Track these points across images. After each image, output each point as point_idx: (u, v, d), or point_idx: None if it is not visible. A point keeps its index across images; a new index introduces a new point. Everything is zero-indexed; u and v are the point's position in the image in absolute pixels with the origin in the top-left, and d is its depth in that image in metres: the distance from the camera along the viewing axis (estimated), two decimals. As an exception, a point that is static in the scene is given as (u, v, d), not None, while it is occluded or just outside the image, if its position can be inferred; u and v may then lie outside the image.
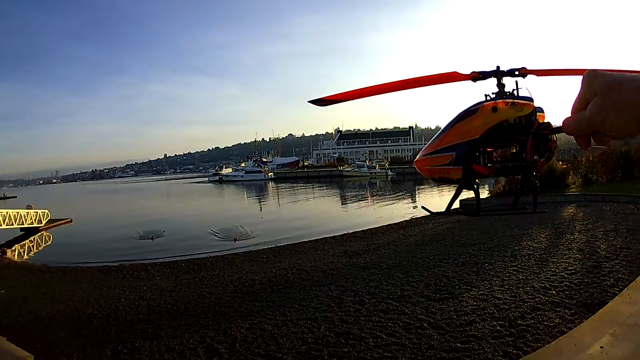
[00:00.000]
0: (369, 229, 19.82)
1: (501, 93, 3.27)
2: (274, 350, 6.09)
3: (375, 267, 11.16)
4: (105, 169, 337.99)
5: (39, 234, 25.52)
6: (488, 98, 3.30)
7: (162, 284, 11.44)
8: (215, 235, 21.13)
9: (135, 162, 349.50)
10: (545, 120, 3.28)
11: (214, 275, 12.05)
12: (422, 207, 3.81)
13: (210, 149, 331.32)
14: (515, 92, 3.25)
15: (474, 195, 3.88)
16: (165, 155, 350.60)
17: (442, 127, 3.61)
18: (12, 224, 24.15)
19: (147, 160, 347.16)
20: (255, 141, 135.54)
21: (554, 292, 7.60)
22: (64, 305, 9.66)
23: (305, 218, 28.21)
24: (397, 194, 43.96)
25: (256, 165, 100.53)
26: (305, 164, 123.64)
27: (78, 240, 23.47)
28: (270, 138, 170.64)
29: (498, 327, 6.22)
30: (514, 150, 3.43)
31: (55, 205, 34.84)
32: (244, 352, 6.15)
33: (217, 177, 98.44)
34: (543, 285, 8.09)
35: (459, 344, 5.77)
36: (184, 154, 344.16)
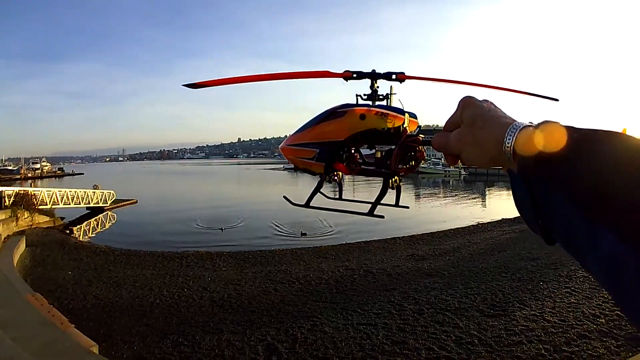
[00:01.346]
0: (437, 231, 19.83)
1: (373, 97, 3.21)
2: (332, 354, 6.27)
3: (438, 274, 11.31)
4: (175, 149, 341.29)
5: (103, 213, 26.34)
6: (359, 101, 3.24)
7: (227, 275, 11.62)
8: (282, 228, 21.04)
9: (207, 145, 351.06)
10: (420, 126, 3.23)
11: (280, 270, 12.19)
12: (284, 197, 3.75)
13: (287, 135, 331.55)
14: (389, 98, 3.18)
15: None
16: (239, 139, 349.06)
17: (308, 121, 3.49)
18: (80, 203, 25.21)
19: (220, 144, 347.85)
20: None
21: (603, 320, 7.52)
22: (127, 292, 10.05)
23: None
24: (468, 194, 43.76)
25: None
26: None
27: (142, 221, 24.17)
28: None
29: (543, 351, 6.26)
30: (379, 156, 3.36)
31: (120, 185, 35.49)
32: (302, 354, 6.33)
33: (292, 165, 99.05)
34: (593, 312, 8.01)
35: None
36: (259, 139, 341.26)
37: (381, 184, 2.96)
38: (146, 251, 15.34)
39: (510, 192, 0.69)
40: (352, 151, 3.32)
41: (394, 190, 3.30)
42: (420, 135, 3.19)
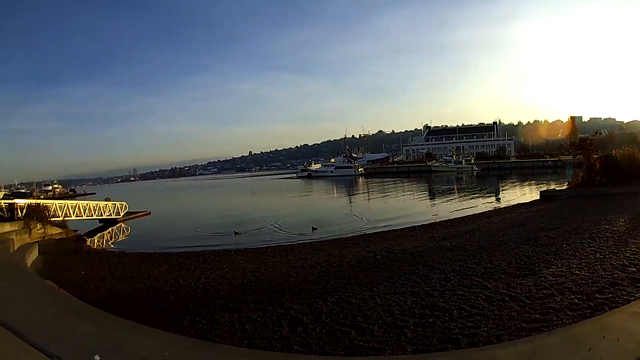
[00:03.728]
0: (455, 218, 20.09)
1: None
2: (360, 321, 6.10)
3: (461, 249, 11.25)
4: (186, 166, 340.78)
5: (117, 225, 26.32)
6: None
7: (246, 266, 11.57)
8: (295, 227, 21.08)
9: (218, 160, 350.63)
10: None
11: (300, 258, 12.21)
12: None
13: (299, 146, 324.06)
14: None
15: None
16: (250, 152, 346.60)
17: None
18: (92, 215, 25.18)
19: (231, 158, 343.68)
20: (345, 138, 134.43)
21: (634, 269, 7.42)
22: (141, 284, 9.97)
23: (394, 210, 28.07)
24: (482, 188, 43.68)
25: (346, 161, 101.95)
26: (395, 159, 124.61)
27: (157, 231, 24.05)
28: (360, 135, 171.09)
29: (576, 300, 6.11)
30: None
31: (133, 200, 35.91)
32: (329, 323, 6.18)
33: (305, 173, 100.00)
34: (622, 263, 7.92)
35: (537, 315, 5.71)
36: (270, 151, 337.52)
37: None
38: (161, 252, 15.36)
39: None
40: None
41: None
42: None
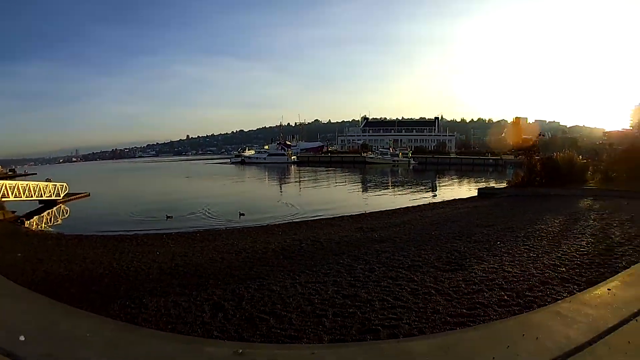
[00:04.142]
0: (386, 210, 20.13)
1: None
2: (280, 309, 6.18)
3: (389, 240, 11.36)
4: (126, 148, 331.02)
5: (56, 206, 25.60)
6: None
7: (176, 250, 11.56)
8: (223, 212, 21.15)
9: (157, 143, 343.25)
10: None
11: (227, 243, 12.23)
12: None
13: (235, 131, 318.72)
14: None
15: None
16: (187, 136, 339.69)
17: None
18: (32, 196, 24.21)
19: (169, 141, 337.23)
20: (280, 125, 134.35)
21: (564, 269, 7.65)
22: (77, 266, 9.83)
23: (324, 199, 28.36)
24: (418, 182, 44.22)
25: (279, 148, 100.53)
26: (329, 149, 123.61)
27: (95, 213, 23.54)
28: (296, 123, 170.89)
29: (505, 297, 6.29)
30: None
31: (74, 181, 34.78)
32: (249, 309, 6.23)
33: (239, 159, 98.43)
34: (554, 263, 8.16)
35: (464, 310, 5.83)
36: (206, 135, 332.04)
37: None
38: (98, 235, 15.15)
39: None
40: None
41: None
42: None
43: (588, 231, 11.23)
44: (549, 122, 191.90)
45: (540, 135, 36.86)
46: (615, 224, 11.95)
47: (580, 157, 29.02)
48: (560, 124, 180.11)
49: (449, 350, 3.90)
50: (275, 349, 4.27)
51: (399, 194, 30.90)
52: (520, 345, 3.97)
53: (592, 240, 9.99)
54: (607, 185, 22.32)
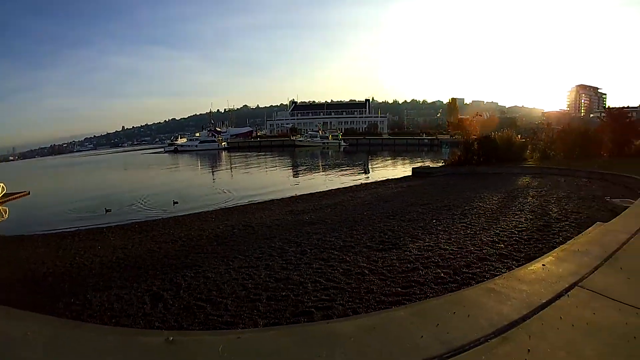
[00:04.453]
0: (317, 192, 20.31)
1: None
2: (215, 296, 6.27)
3: (320, 222, 11.53)
4: (64, 143, 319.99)
5: (-6, 208, 24.77)
6: None
7: (116, 243, 11.50)
8: (160, 202, 20.89)
9: (94, 136, 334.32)
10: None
11: (164, 233, 12.25)
12: None
13: (167, 120, 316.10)
14: None
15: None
16: (123, 127, 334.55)
17: None
18: (-34, 199, 23.20)
19: (105, 134, 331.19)
20: (210, 112, 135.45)
21: (502, 245, 7.84)
22: (19, 268, 9.61)
23: (255, 183, 28.61)
24: (349, 163, 44.65)
25: (210, 135, 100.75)
26: (258, 134, 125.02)
27: (36, 212, 22.73)
28: (225, 109, 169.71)
29: (442, 274, 6.39)
30: None
31: (12, 181, 33.30)
32: (187, 298, 6.31)
33: (172, 147, 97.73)
34: (492, 239, 8.33)
35: (399, 289, 5.91)
36: (141, 126, 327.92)
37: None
38: (40, 234, 14.75)
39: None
40: None
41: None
42: None
43: (527, 208, 11.51)
44: (487, 102, 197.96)
45: (477, 114, 37.77)
46: (552, 201, 12.30)
47: (519, 136, 30.13)
48: (499, 104, 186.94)
49: (375, 331, 3.83)
50: (205, 335, 4.25)
51: (331, 176, 31.02)
52: (450, 323, 3.90)
53: (531, 217, 10.23)
54: (545, 164, 22.89)
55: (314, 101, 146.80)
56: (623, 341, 3.42)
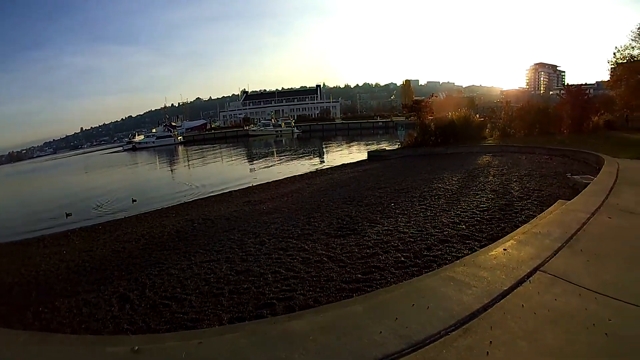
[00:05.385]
0: (273, 181, 20.42)
1: None
2: (180, 293, 6.31)
3: (278, 212, 11.68)
4: (23, 150, 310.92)
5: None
6: None
7: (81, 246, 11.42)
8: (122, 202, 20.72)
9: (53, 139, 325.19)
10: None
11: (127, 232, 12.21)
12: None
13: (124, 118, 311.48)
14: None
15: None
16: (81, 129, 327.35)
17: None
18: None
19: (64, 136, 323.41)
20: (164, 107, 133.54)
21: (463, 226, 7.97)
22: None
23: (212, 176, 28.49)
24: (303, 150, 44.86)
25: (166, 130, 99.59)
26: (212, 126, 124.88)
27: None
28: (179, 103, 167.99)
29: (402, 258, 6.48)
30: None
31: None
32: (152, 297, 6.35)
33: (130, 146, 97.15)
34: (453, 220, 8.49)
35: (359, 275, 5.99)
36: (99, 125, 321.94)
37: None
38: (2, 243, 14.29)
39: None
40: None
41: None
42: None
43: (488, 187, 11.71)
44: (443, 83, 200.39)
45: (432, 95, 38.07)
46: (514, 179, 12.55)
47: (478, 115, 30.56)
48: (456, 84, 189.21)
49: (334, 328, 3.78)
50: (169, 341, 4.12)
51: (286, 164, 31.17)
52: (409, 316, 3.84)
53: (492, 196, 10.41)
54: (505, 142, 23.35)
55: (265, 90, 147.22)
56: (583, 328, 3.47)
